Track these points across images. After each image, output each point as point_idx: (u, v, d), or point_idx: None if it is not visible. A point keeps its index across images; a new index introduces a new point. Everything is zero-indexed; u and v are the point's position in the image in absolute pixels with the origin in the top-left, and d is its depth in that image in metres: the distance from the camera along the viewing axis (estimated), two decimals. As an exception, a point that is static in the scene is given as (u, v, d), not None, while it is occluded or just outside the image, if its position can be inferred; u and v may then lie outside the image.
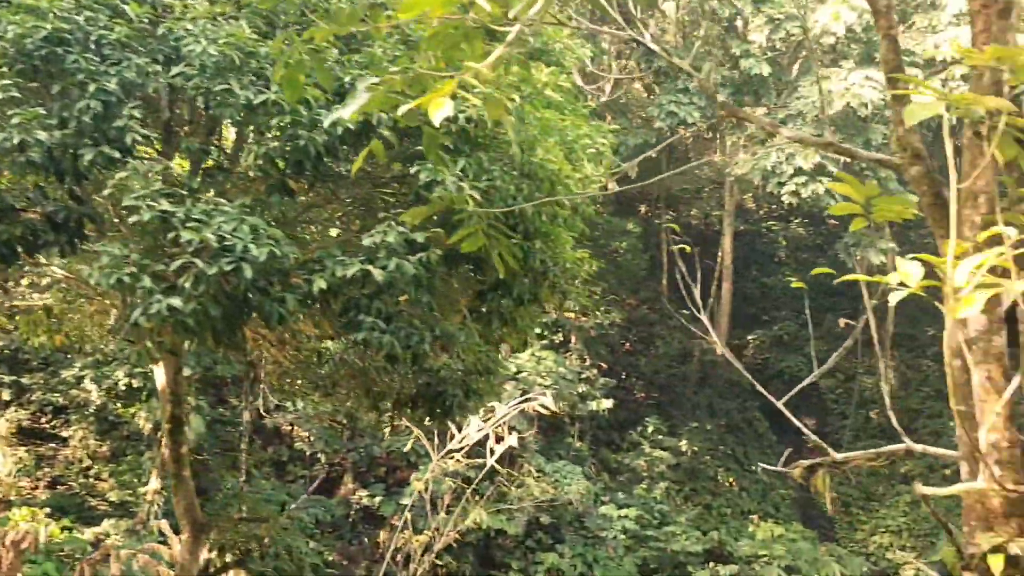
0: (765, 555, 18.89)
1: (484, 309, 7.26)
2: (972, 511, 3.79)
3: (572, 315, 21.47)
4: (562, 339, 21.46)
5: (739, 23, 20.92)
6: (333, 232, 8.45)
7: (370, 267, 6.25)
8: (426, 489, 11.91)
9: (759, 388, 4.58)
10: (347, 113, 2.92)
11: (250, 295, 6.25)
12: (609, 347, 22.29)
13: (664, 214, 25.04)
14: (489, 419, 11.88)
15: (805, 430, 4.76)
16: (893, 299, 2.40)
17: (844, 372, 23.45)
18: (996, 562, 3.51)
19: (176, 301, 5.91)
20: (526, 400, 13.21)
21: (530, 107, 7.01)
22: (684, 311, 20.24)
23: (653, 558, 19.28)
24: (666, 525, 19.70)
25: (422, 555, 12.11)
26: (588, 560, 18.71)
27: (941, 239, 3.90)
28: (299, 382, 9.71)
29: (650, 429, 21.01)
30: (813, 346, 22.90)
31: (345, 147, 6.96)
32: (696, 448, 21.17)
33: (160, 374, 9.22)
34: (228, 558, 8.55)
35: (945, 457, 4.04)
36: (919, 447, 4.11)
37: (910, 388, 22.68)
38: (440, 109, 2.71)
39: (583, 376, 20.90)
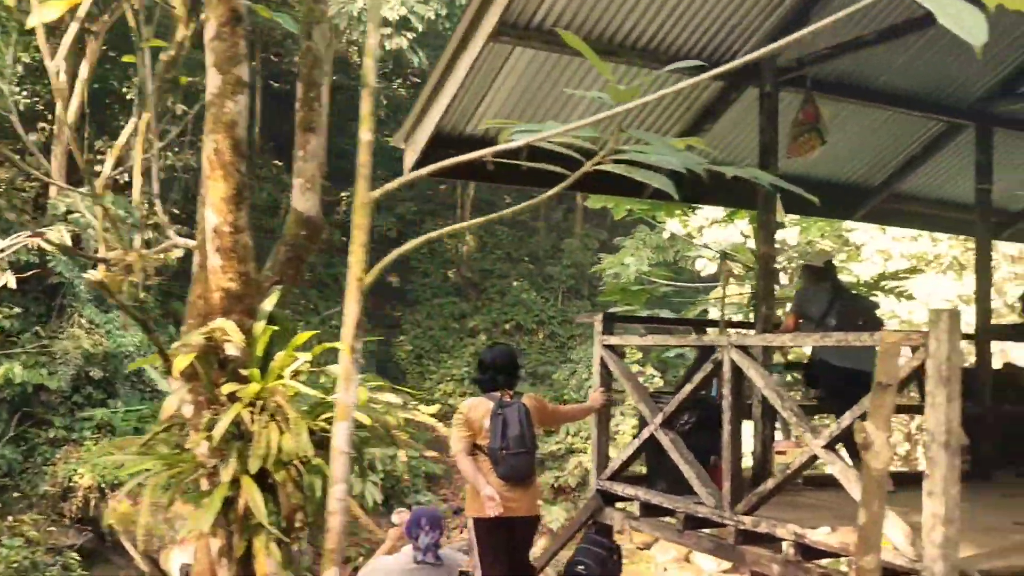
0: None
1: None
2: (194, 307, 3.52)
3: (139, 154, 19.46)
4: (127, 180, 19.38)
5: None
6: None
7: None
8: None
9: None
10: None
11: None
12: (186, 192, 20.67)
13: (264, 57, 23.42)
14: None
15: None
16: None
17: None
18: (181, 362, 3.25)
19: None
20: (35, 235, 11.57)
21: None
22: (277, 162, 19.15)
23: (218, 411, 18.78)
24: (233, 378, 19.18)
25: None
26: (144, 415, 17.67)
27: None
28: None
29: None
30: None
31: None
32: (276, 302, 20.66)
33: None
34: None
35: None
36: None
37: (486, 251, 24.10)
38: None
39: (151, 222, 19.17)
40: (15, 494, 16.28)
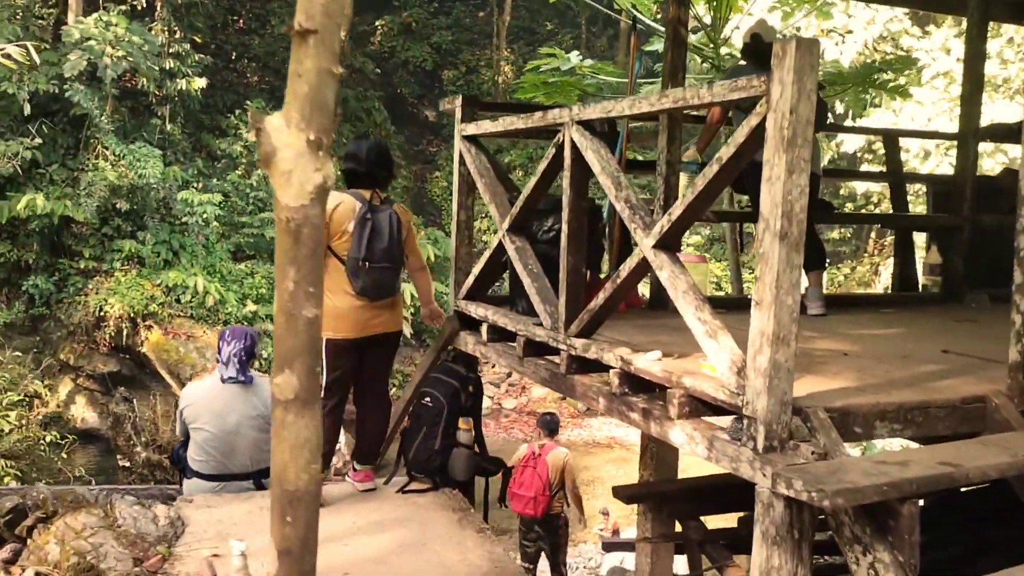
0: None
1: None
2: None
3: (158, -22, 18.66)
4: (145, 5, 18.71)
5: None
6: None
7: None
8: None
9: None
10: None
11: None
12: (211, 21, 19.90)
13: None
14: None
15: None
16: None
17: (466, 64, 22.98)
18: None
19: None
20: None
21: None
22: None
23: (248, 244, 18.74)
24: (263, 212, 19.00)
25: None
26: (174, 247, 17.75)
27: None
28: None
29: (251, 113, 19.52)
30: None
31: None
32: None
33: None
34: None
35: None
36: None
37: (526, 81, 22.73)
38: None
39: (171, 51, 18.60)
40: (52, 323, 16.80)
